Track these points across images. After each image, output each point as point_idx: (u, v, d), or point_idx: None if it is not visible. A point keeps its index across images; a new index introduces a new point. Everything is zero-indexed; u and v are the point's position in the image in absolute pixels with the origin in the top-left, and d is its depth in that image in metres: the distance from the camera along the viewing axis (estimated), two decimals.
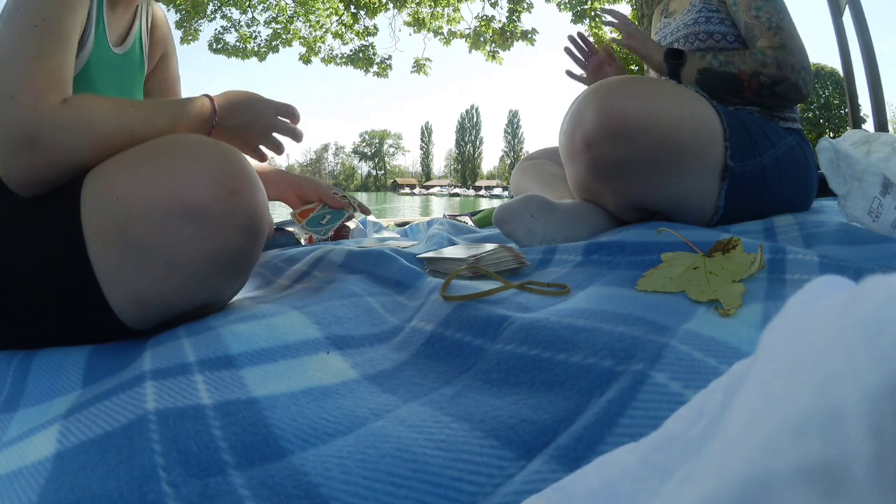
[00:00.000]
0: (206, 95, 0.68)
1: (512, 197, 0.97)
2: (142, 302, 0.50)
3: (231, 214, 0.49)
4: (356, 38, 6.15)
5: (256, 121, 0.71)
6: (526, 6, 5.68)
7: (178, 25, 5.78)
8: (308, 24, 6.02)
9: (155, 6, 0.83)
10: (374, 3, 5.86)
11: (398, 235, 1.46)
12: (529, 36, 5.71)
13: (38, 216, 0.51)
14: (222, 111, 0.68)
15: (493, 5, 5.72)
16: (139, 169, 0.49)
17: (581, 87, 1.16)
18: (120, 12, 0.71)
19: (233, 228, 0.50)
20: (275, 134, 0.74)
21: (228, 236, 0.50)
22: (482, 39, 5.80)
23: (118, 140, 0.54)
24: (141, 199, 0.47)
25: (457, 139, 76.86)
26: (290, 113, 0.75)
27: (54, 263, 0.49)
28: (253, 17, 6.01)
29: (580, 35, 1.16)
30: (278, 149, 0.75)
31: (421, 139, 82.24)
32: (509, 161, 71.00)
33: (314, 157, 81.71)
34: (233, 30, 6.04)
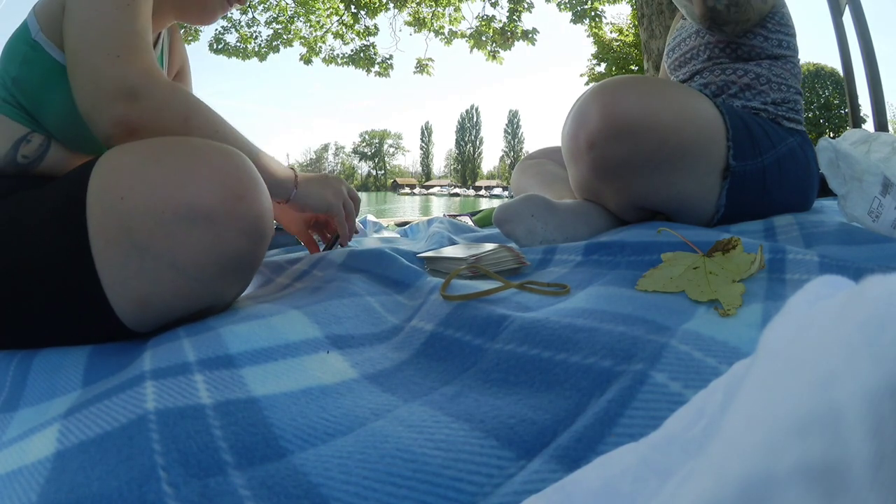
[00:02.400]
0: (292, 167, 0.75)
1: (512, 197, 0.97)
2: (144, 303, 0.50)
3: (237, 218, 0.49)
4: (357, 38, 6.15)
5: (331, 188, 0.77)
6: (526, 6, 5.69)
7: (179, 26, 5.78)
8: (308, 24, 6.02)
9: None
10: (375, 3, 5.86)
11: (398, 235, 1.46)
12: (530, 35, 5.71)
13: (44, 213, 0.50)
14: (301, 186, 0.73)
15: (494, 5, 5.72)
16: (144, 169, 0.49)
17: (582, 89, 1.16)
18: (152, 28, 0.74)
19: (238, 232, 0.50)
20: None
21: (233, 240, 0.50)
22: (483, 39, 5.80)
23: (204, 126, 0.59)
24: (146, 200, 0.47)
25: (457, 139, 76.81)
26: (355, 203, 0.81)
27: (57, 260, 0.48)
28: (253, 17, 6.01)
29: None
30: (345, 231, 0.80)
31: (421, 139, 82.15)
32: (509, 161, 70.94)
33: (314, 156, 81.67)
34: (233, 30, 6.04)
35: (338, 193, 0.77)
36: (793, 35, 0.94)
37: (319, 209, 0.76)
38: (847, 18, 1.96)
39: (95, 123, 0.55)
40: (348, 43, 6.20)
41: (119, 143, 0.54)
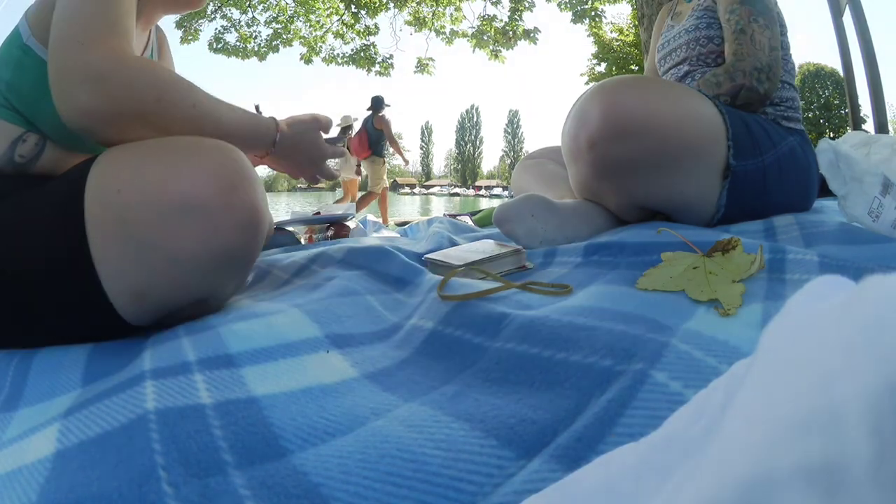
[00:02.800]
0: (273, 118, 0.72)
1: (512, 196, 0.97)
2: (140, 295, 0.50)
3: (231, 209, 0.50)
4: (357, 37, 6.15)
5: (311, 148, 0.75)
6: (527, 5, 5.68)
7: (179, 25, 5.78)
8: (308, 23, 6.02)
9: (159, 27, 0.84)
10: (375, 3, 5.86)
11: (398, 235, 1.46)
12: (532, 35, 5.71)
13: (43, 210, 0.51)
14: (282, 142, 0.71)
15: (495, 4, 5.72)
16: (140, 163, 0.49)
17: (582, 89, 1.16)
18: (138, 32, 0.72)
19: (232, 224, 0.50)
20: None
21: (228, 231, 0.50)
22: (485, 38, 5.80)
23: (180, 103, 0.56)
24: (142, 192, 0.48)
25: (457, 139, 76.73)
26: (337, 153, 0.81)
27: (56, 255, 0.49)
28: (253, 17, 6.01)
29: None
30: (331, 176, 0.79)
31: (421, 139, 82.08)
32: (509, 161, 70.92)
33: None
34: (233, 30, 6.04)
35: (313, 164, 0.77)
36: (785, 33, 0.94)
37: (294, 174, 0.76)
38: (847, 18, 1.96)
39: (66, 117, 0.52)
40: (349, 42, 6.20)
41: (99, 135, 0.53)
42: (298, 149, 0.74)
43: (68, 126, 0.53)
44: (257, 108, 0.76)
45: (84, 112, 0.51)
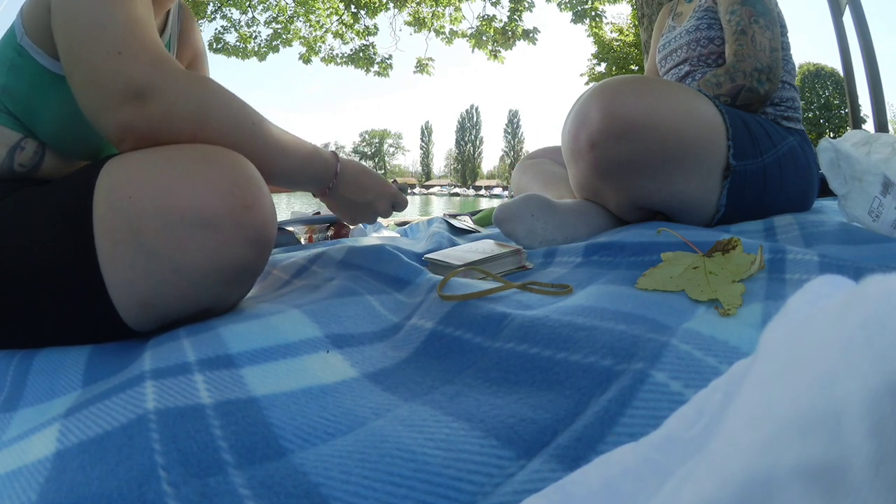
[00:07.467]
0: (334, 153, 0.69)
1: (512, 197, 0.97)
2: (146, 304, 0.50)
3: (242, 227, 0.49)
4: (357, 37, 6.15)
5: (372, 203, 0.73)
6: (527, 5, 5.68)
7: None
8: (308, 23, 6.02)
9: (185, 6, 0.80)
10: (375, 3, 5.86)
11: (398, 235, 1.46)
12: (531, 35, 5.71)
13: (49, 210, 0.50)
14: (343, 177, 0.69)
15: (495, 4, 5.72)
16: (155, 170, 0.48)
17: (582, 89, 1.16)
18: (154, 12, 0.67)
19: (243, 241, 0.50)
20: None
21: (238, 248, 0.50)
22: (484, 39, 5.80)
23: (230, 121, 0.54)
24: (154, 202, 0.47)
25: (457, 139, 76.75)
26: (402, 204, 0.78)
27: (61, 258, 0.48)
28: (253, 17, 6.01)
29: None
30: (387, 213, 0.77)
31: (421, 139, 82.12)
32: (509, 161, 70.93)
33: None
34: (233, 30, 6.04)
35: (374, 214, 0.75)
36: (785, 34, 0.95)
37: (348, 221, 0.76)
38: (847, 18, 1.96)
39: (103, 129, 0.51)
40: (348, 42, 6.20)
41: (132, 147, 0.51)
42: (360, 183, 0.71)
43: (103, 135, 0.52)
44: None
45: (124, 129, 0.50)
